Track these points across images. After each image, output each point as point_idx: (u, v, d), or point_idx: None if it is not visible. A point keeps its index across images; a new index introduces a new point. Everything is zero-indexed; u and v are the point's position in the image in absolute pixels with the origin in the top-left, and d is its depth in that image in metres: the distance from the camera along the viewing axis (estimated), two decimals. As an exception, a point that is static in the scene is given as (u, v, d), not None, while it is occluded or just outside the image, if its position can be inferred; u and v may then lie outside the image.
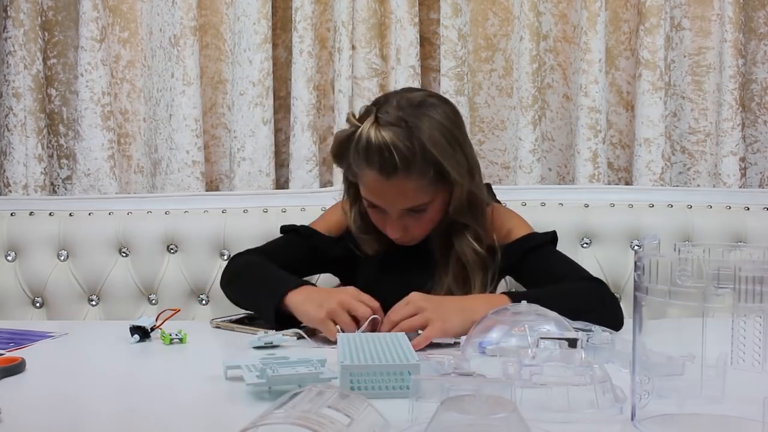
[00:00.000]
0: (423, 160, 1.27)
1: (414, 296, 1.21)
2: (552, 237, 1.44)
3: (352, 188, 1.41)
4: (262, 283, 1.34)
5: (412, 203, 1.31)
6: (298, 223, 1.51)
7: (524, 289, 1.42)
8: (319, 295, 1.25)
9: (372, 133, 1.26)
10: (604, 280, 1.69)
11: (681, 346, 0.81)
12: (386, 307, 1.24)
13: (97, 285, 1.75)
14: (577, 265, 1.42)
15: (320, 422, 0.62)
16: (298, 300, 1.23)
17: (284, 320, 1.23)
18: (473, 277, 1.36)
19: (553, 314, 0.98)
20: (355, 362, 0.89)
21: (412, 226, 1.35)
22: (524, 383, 0.80)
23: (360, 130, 1.27)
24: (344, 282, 1.52)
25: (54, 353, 1.16)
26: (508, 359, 0.84)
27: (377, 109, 1.29)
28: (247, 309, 1.40)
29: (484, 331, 1.00)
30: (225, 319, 1.33)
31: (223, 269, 1.47)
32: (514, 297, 1.21)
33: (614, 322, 1.22)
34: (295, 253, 1.46)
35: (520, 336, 0.94)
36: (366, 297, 1.22)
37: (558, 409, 0.79)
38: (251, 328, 1.26)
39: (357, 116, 1.32)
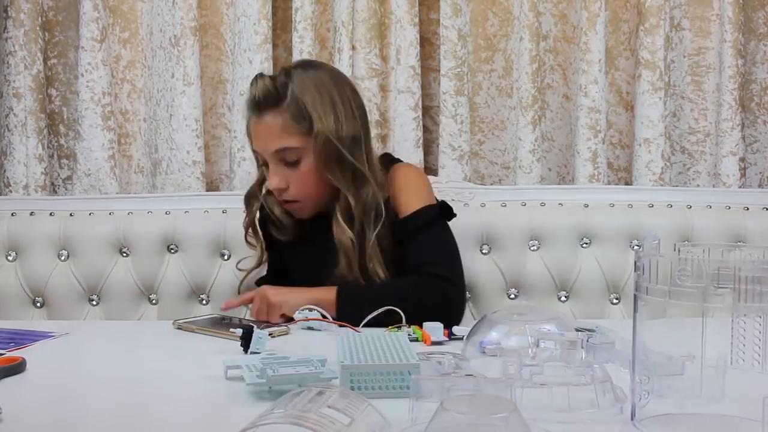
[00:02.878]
0: (292, 102, 1.40)
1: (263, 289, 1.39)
2: (439, 210, 1.49)
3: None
4: None
5: (279, 143, 1.41)
6: None
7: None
8: None
9: (253, 79, 1.44)
10: (604, 281, 1.71)
11: (681, 346, 0.81)
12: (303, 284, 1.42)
13: (98, 285, 1.75)
14: (443, 253, 1.45)
15: (320, 422, 0.62)
16: None
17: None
18: (347, 260, 1.42)
19: (554, 314, 0.98)
20: (355, 362, 0.89)
21: (291, 179, 1.44)
22: (524, 383, 0.80)
23: None
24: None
25: (54, 353, 1.16)
26: (509, 359, 0.84)
27: None
28: None
29: (485, 330, 1.00)
30: (187, 320, 1.33)
31: None
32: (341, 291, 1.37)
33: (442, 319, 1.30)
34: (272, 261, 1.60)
35: (520, 336, 0.94)
36: None
37: (558, 409, 0.79)
38: (213, 330, 1.26)
39: None
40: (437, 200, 1.54)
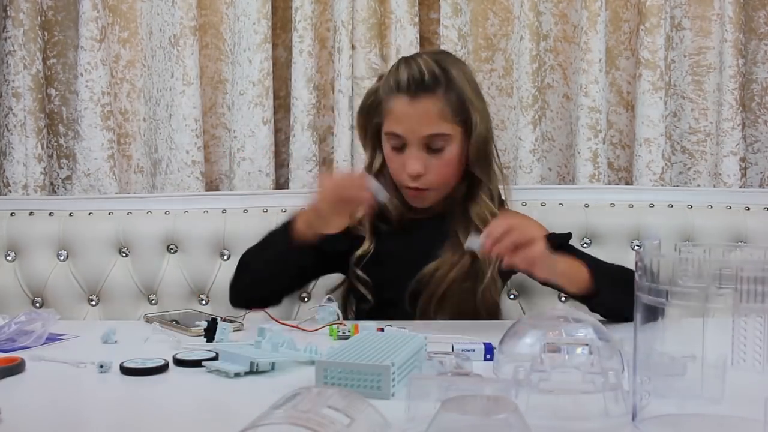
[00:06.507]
0: (449, 88, 1.38)
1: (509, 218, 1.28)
2: (569, 237, 1.48)
3: (377, 145, 1.48)
4: (267, 243, 1.44)
5: (433, 129, 1.38)
6: None
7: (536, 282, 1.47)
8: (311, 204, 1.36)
9: (405, 60, 1.41)
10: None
11: (682, 346, 0.80)
12: (394, 279, 1.41)
13: (97, 285, 1.75)
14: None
15: (320, 422, 0.62)
16: (303, 217, 1.36)
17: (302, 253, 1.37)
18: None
19: (591, 319, 0.96)
20: (331, 359, 0.90)
21: (431, 165, 1.40)
22: (531, 389, 0.79)
23: (392, 66, 1.43)
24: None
25: (52, 353, 1.16)
26: (519, 364, 0.83)
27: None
28: (265, 279, 1.43)
29: (520, 334, 0.97)
30: (157, 315, 1.33)
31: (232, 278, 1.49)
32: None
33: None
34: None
35: (549, 341, 0.91)
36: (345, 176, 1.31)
37: (565, 417, 0.78)
38: (179, 327, 1.27)
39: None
40: None
